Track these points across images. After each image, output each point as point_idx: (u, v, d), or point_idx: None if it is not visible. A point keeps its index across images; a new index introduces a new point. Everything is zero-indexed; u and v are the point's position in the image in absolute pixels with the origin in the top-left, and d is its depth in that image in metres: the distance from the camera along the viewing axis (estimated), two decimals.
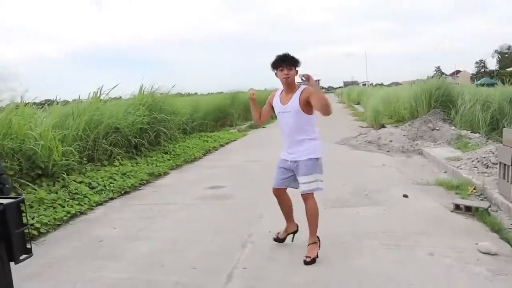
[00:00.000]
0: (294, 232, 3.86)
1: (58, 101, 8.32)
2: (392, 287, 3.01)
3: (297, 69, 3.54)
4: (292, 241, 3.80)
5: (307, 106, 3.47)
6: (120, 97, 10.58)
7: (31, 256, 1.53)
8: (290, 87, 3.55)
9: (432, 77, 13.82)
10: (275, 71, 3.56)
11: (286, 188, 3.72)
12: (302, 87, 3.51)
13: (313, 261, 3.40)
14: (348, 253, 3.66)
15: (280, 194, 3.75)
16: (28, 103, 7.22)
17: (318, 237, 3.58)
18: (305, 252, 3.47)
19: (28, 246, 1.53)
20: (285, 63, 3.49)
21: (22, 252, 1.49)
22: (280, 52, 3.56)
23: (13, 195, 1.56)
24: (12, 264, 1.48)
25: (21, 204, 1.51)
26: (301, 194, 3.53)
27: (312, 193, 3.52)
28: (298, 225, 3.86)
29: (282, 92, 3.64)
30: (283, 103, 3.57)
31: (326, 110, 3.38)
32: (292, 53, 3.55)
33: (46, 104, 8.10)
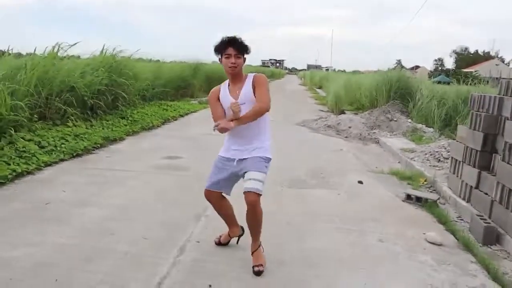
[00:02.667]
0: (239, 236, 3.35)
1: (10, 52, 7.76)
2: (342, 270, 3.06)
3: (245, 57, 2.99)
4: (237, 243, 3.34)
5: None
6: (79, 56, 10.04)
7: None
8: (237, 77, 2.99)
9: (393, 69, 14.15)
10: (220, 57, 2.97)
11: (222, 192, 3.15)
12: (251, 75, 3.03)
13: (263, 270, 2.94)
14: (302, 234, 3.70)
15: (216, 199, 3.15)
16: None
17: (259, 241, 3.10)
18: (253, 261, 2.98)
19: None
20: (232, 47, 2.89)
21: None
22: (230, 34, 2.96)
23: None
24: None
25: None
26: (247, 193, 2.82)
27: (259, 196, 2.86)
28: (243, 227, 3.29)
29: (228, 85, 3.06)
30: (234, 96, 2.99)
31: (259, 115, 2.94)
32: (240, 37, 2.95)
33: None
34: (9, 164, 5.06)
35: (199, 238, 3.44)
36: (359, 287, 2.84)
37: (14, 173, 4.90)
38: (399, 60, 42.70)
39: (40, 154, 5.71)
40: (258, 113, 2.93)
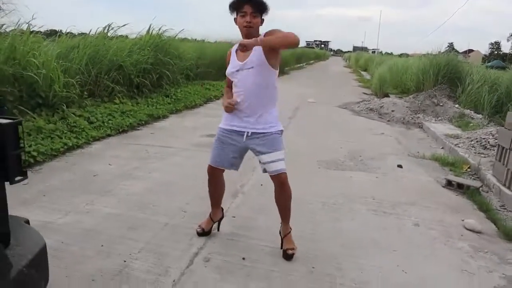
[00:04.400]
0: (220, 220, 3.24)
1: (66, 33, 8.13)
2: (375, 251, 3.08)
3: (263, 17, 2.72)
4: (218, 230, 3.23)
5: (271, 54, 2.68)
6: (127, 36, 10.35)
7: (25, 179, 1.54)
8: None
9: (444, 52, 13.59)
10: (235, 16, 2.71)
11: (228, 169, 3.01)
12: (262, 34, 2.70)
13: (295, 253, 2.89)
14: (337, 214, 3.73)
15: (219, 176, 3.06)
16: (34, 31, 7.03)
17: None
18: (284, 245, 2.92)
19: (24, 170, 1.55)
20: (248, 5, 2.62)
21: (17, 174, 1.51)
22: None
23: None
24: (9, 187, 1.49)
25: (19, 127, 1.51)
26: (275, 176, 2.77)
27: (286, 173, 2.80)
28: (223, 209, 3.28)
29: (238, 48, 2.74)
30: (241, 59, 2.75)
31: (287, 42, 2.61)
32: None
33: (51, 34, 7.93)
34: (61, 138, 5.38)
35: (235, 214, 3.56)
36: (391, 268, 2.85)
37: (65, 147, 5.22)
38: (451, 43, 40.94)
39: (89, 129, 6.01)
40: (287, 38, 2.57)
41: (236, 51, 2.82)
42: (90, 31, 8.53)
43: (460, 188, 4.63)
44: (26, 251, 1.48)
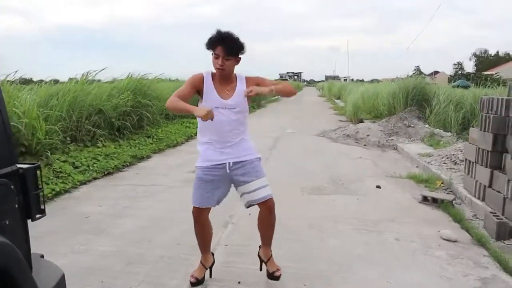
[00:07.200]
0: (212, 265, 3.09)
1: (46, 81, 8.34)
2: (360, 266, 3.30)
3: (239, 56, 2.73)
4: (211, 276, 3.08)
5: (250, 98, 2.78)
6: (99, 80, 10.58)
7: (44, 215, 1.74)
8: (225, 79, 2.75)
9: (411, 76, 14.31)
10: (211, 53, 2.70)
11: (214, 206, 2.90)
12: (241, 76, 2.82)
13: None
14: (323, 234, 3.95)
15: (206, 217, 2.91)
16: (10, 80, 7.21)
17: None
18: (269, 268, 2.94)
19: (42, 207, 1.74)
20: (221, 47, 2.62)
21: (37, 212, 1.70)
22: (224, 30, 2.68)
23: None
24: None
25: (37, 171, 1.71)
26: (263, 202, 2.76)
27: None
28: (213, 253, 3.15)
29: (213, 79, 2.76)
30: (223, 96, 2.73)
31: (290, 94, 2.88)
32: (235, 34, 2.67)
33: (26, 83, 8.12)
34: (48, 184, 5.47)
35: (227, 242, 3.73)
36: (376, 279, 3.06)
37: (53, 192, 5.31)
38: (418, 66, 42.60)
39: (75, 173, 6.12)
40: (292, 91, 2.90)
41: (212, 81, 2.75)
42: (70, 78, 8.73)
43: (435, 202, 4.93)
44: (48, 279, 1.66)
